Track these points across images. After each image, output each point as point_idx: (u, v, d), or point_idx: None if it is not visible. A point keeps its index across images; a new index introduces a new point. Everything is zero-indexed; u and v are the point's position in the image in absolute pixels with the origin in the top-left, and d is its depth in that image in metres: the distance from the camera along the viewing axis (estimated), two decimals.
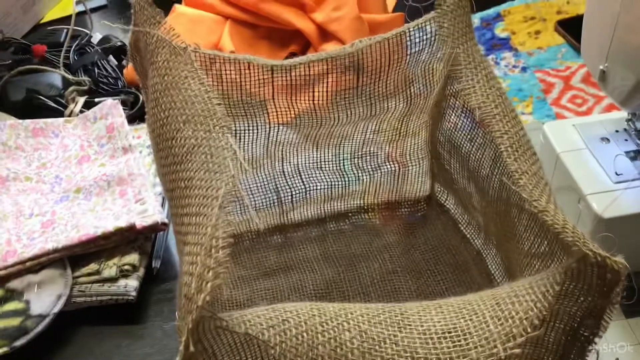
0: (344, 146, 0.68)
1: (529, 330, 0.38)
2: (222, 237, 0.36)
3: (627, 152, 0.67)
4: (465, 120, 0.60)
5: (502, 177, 0.47)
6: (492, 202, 0.58)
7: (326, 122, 0.62)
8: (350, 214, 0.75)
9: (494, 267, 0.66)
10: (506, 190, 0.54)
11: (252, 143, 0.63)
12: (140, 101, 0.87)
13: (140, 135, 0.82)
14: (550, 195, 0.43)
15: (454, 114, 0.62)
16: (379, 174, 0.72)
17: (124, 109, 0.84)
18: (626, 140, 0.68)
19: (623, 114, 0.70)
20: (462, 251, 0.70)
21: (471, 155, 0.60)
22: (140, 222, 0.68)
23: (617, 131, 0.69)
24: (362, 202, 0.75)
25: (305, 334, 0.38)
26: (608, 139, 0.68)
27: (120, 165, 0.76)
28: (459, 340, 0.40)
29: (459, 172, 0.65)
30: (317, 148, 0.67)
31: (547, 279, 0.39)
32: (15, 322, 0.62)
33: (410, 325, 0.41)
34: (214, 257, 0.35)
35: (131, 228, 0.67)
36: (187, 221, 0.39)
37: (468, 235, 0.70)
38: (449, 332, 0.40)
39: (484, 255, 0.67)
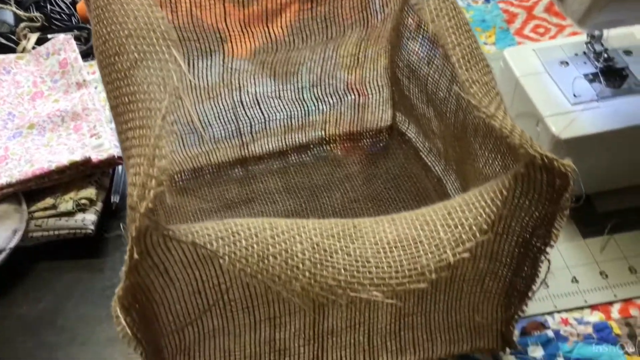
0: (301, 73, 0.66)
1: (477, 235, 0.38)
2: (164, 146, 0.35)
3: (585, 75, 0.67)
4: (422, 43, 0.60)
5: (454, 86, 0.46)
6: (450, 125, 0.58)
7: (282, 47, 0.60)
8: (311, 146, 0.74)
9: (453, 192, 0.66)
10: (462, 109, 0.54)
11: (206, 70, 0.62)
12: None
13: (95, 71, 0.80)
14: (501, 104, 0.42)
15: (411, 38, 0.61)
16: (339, 103, 0.71)
17: (77, 45, 0.81)
18: (585, 63, 0.68)
19: (583, 37, 0.69)
20: (423, 179, 0.70)
21: (429, 78, 0.60)
22: (96, 156, 0.67)
23: (576, 54, 0.68)
24: (323, 133, 0.74)
25: (255, 246, 0.38)
26: (567, 63, 0.68)
27: (75, 100, 0.74)
28: (410, 249, 0.40)
29: (418, 97, 0.64)
30: (274, 76, 0.66)
31: (496, 185, 0.39)
32: None
33: (362, 237, 0.41)
34: (157, 166, 0.34)
35: (86, 162, 0.66)
36: (130, 135, 0.38)
37: (429, 163, 0.70)
38: (401, 242, 0.40)
39: (444, 182, 0.67)
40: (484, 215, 0.39)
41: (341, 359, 0.52)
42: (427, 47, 0.59)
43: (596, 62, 0.67)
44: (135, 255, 0.33)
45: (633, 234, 0.64)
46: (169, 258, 0.41)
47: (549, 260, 0.45)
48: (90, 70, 0.79)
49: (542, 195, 0.41)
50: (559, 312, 0.59)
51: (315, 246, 0.40)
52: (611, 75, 0.67)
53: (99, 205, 0.67)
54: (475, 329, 0.54)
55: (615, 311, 0.59)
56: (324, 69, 0.67)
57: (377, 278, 0.39)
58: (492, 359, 0.57)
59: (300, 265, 0.38)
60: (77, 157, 0.66)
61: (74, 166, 0.66)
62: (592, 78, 0.66)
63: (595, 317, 0.59)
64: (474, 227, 0.39)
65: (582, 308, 0.60)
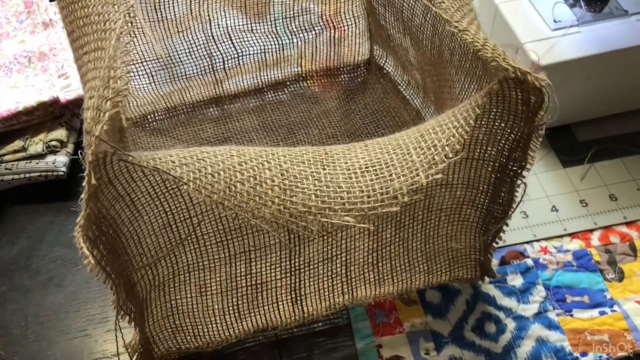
0: (274, 4, 0.64)
1: (450, 155, 0.37)
2: (120, 67, 0.33)
3: (566, 0, 0.65)
4: None
5: (425, 1, 0.44)
6: (427, 52, 0.56)
7: None
8: (288, 83, 0.73)
9: None
10: (438, 34, 0.52)
11: (173, 0, 0.59)
12: None
13: None
14: (474, 20, 0.41)
15: None
16: (315, 37, 0.69)
17: None
18: None
19: None
20: (402, 112, 0.68)
21: (404, 4, 0.58)
22: (64, 96, 0.65)
23: None
24: (299, 69, 0.72)
25: (222, 172, 0.37)
26: None
27: (41, 40, 0.72)
28: (382, 173, 0.39)
29: (394, 26, 0.62)
30: (245, 7, 0.63)
31: (470, 104, 0.38)
32: None
33: (334, 163, 0.40)
34: (112, 87, 0.32)
35: (55, 102, 0.64)
36: (86, 59, 0.36)
37: (407, 96, 0.68)
38: (373, 166, 0.39)
39: (423, 114, 0.66)
40: (456, 136, 0.37)
41: (319, 290, 0.51)
42: None
43: None
44: (94, 181, 0.32)
45: (613, 161, 0.63)
46: (134, 189, 0.39)
47: (525, 185, 0.44)
48: (57, 10, 0.76)
49: (516, 115, 0.40)
50: (538, 240, 0.59)
51: (285, 172, 0.38)
52: None
53: (70, 147, 0.65)
54: (454, 259, 0.54)
55: (595, 239, 0.59)
56: (297, 0, 0.64)
57: (349, 203, 0.38)
58: (471, 288, 0.56)
59: (270, 192, 0.37)
60: (45, 97, 0.64)
61: (42, 107, 0.64)
62: (573, 3, 0.65)
63: (575, 244, 0.59)
64: (446, 148, 0.37)
65: (561, 236, 0.59)
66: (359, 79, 0.73)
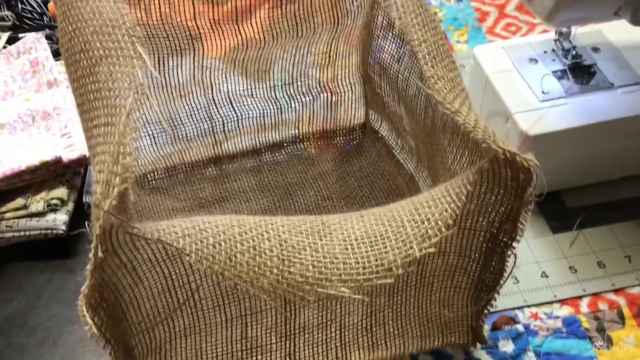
0: (274, 71, 0.66)
1: (443, 230, 0.39)
2: (129, 143, 0.35)
3: (554, 72, 0.67)
4: (392, 41, 0.60)
5: (417, 82, 0.46)
6: (420, 122, 0.58)
7: (252, 45, 0.60)
8: (285, 144, 0.74)
9: (425, 189, 0.66)
10: (431, 107, 0.55)
11: (177, 68, 0.62)
12: None
13: None
14: (466, 100, 0.43)
15: (382, 36, 0.62)
16: (312, 101, 0.71)
17: (49, 44, 0.81)
18: (554, 60, 0.68)
19: (551, 35, 0.70)
20: (396, 176, 0.70)
21: (399, 75, 0.60)
22: (67, 156, 0.66)
23: (545, 52, 0.69)
24: (297, 131, 0.74)
25: (223, 243, 0.38)
26: (536, 60, 0.69)
27: (46, 99, 0.73)
28: (377, 245, 0.40)
29: (389, 94, 0.64)
30: (246, 74, 0.66)
31: (461, 180, 0.40)
32: None
33: (331, 233, 0.41)
34: (121, 163, 0.34)
35: (57, 161, 0.65)
36: (96, 133, 0.38)
37: (401, 160, 0.70)
38: (368, 238, 0.40)
39: (417, 179, 0.68)
40: (449, 211, 0.39)
41: (314, 355, 0.52)
42: (397, 44, 0.59)
43: (564, 60, 0.68)
44: (100, 254, 0.33)
45: (601, 229, 0.65)
46: (136, 256, 0.40)
47: (515, 255, 0.46)
48: (62, 69, 0.79)
49: (506, 190, 0.41)
50: (528, 306, 0.60)
51: (283, 243, 0.40)
52: (579, 72, 0.68)
53: (70, 206, 0.66)
54: (446, 324, 0.55)
55: (584, 305, 0.60)
56: (296, 67, 0.67)
57: (345, 274, 0.39)
58: (463, 354, 0.57)
59: (268, 262, 0.38)
60: (48, 156, 0.65)
61: (45, 166, 0.65)
62: (561, 75, 0.67)
63: (565, 311, 0.60)
64: (439, 222, 0.39)
65: (551, 302, 0.60)
66: (355, 142, 0.75)
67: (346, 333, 0.52)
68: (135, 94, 0.37)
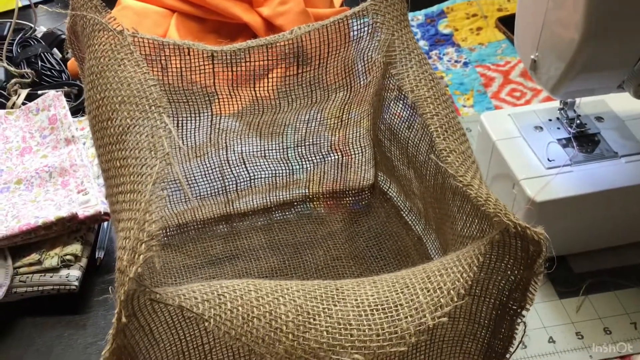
0: (287, 134, 0.68)
1: (455, 299, 0.40)
2: (155, 211, 0.36)
3: (559, 140, 0.69)
4: (403, 108, 0.62)
5: (431, 155, 0.48)
6: (430, 187, 0.60)
7: (268, 110, 0.62)
8: (295, 203, 0.76)
9: (433, 251, 0.68)
10: (441, 173, 0.56)
11: (195, 130, 0.64)
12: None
13: (84, 127, 0.82)
14: (477, 172, 0.44)
15: (393, 102, 0.64)
16: (323, 162, 0.73)
17: (67, 101, 0.83)
18: (558, 128, 0.70)
19: (556, 103, 0.72)
20: (404, 237, 0.71)
21: (409, 141, 0.62)
22: (83, 212, 0.68)
23: (550, 120, 0.71)
24: (307, 191, 0.76)
25: (240, 308, 0.39)
26: (541, 128, 0.71)
27: (63, 156, 0.75)
28: (391, 312, 0.41)
29: (399, 159, 0.66)
30: (260, 136, 0.68)
31: (473, 251, 0.41)
32: None
33: (344, 299, 0.42)
34: (147, 231, 0.35)
35: (73, 218, 0.67)
36: (121, 199, 0.39)
37: (409, 222, 0.72)
38: (382, 305, 0.41)
39: (425, 241, 0.69)
40: (461, 280, 0.40)
41: None
42: (408, 112, 0.61)
43: (569, 128, 0.70)
44: (124, 319, 0.34)
45: (607, 294, 0.66)
46: (154, 319, 0.41)
47: (524, 323, 0.46)
48: (79, 127, 0.81)
49: (517, 261, 0.42)
50: None
51: (299, 308, 0.41)
52: (584, 140, 0.69)
53: (83, 261, 0.67)
54: None
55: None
56: (308, 130, 0.69)
57: (359, 341, 0.40)
58: None
59: (284, 328, 0.39)
60: (64, 212, 0.67)
61: (61, 222, 0.66)
62: (566, 143, 0.69)
63: None
64: (452, 292, 0.40)
65: None
66: (363, 202, 0.77)
67: None
68: (161, 162, 0.39)
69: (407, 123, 0.61)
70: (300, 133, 0.69)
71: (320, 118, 0.67)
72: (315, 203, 0.76)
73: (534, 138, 0.69)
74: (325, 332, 0.40)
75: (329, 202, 0.77)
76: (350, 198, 0.77)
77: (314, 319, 0.40)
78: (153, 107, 0.43)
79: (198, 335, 0.45)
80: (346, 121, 0.69)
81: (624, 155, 0.67)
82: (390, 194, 0.75)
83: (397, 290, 0.42)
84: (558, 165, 0.67)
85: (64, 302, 0.66)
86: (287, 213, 0.76)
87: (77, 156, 0.75)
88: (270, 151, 0.70)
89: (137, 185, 0.38)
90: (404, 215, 0.73)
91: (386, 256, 0.70)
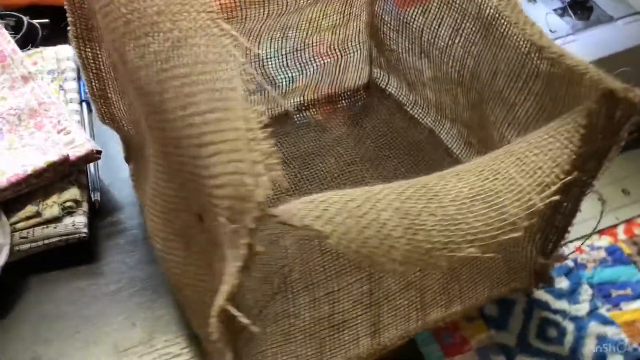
0: (287, 38, 0.63)
1: (561, 176, 0.38)
2: (256, 127, 0.32)
3: (555, 10, 0.68)
4: None
5: (510, 29, 0.45)
6: (453, 72, 0.58)
7: (274, 11, 0.57)
8: (291, 114, 0.72)
9: (450, 140, 0.66)
10: (472, 56, 0.54)
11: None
12: (25, 24, 0.77)
13: (36, 61, 0.72)
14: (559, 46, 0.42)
15: None
16: (322, 65, 0.69)
17: (11, 35, 0.73)
18: None
19: None
20: (413, 131, 0.70)
21: (424, 28, 0.59)
22: (73, 153, 0.61)
23: None
24: (302, 99, 0.72)
25: (348, 220, 0.36)
26: (534, 0, 0.69)
27: (26, 95, 0.67)
28: (492, 200, 0.39)
29: (409, 49, 0.63)
30: (259, 44, 0.62)
31: (569, 124, 0.39)
32: None
33: (437, 195, 0.40)
34: (260, 150, 0.31)
35: (64, 161, 0.60)
36: (197, 121, 0.34)
37: (416, 116, 0.70)
38: (479, 195, 0.39)
39: (437, 132, 0.67)
40: (564, 156, 0.39)
41: (397, 321, 0.51)
42: None
43: None
44: (260, 248, 0.30)
45: (623, 155, 0.67)
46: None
47: (601, 195, 0.46)
48: (31, 61, 0.72)
49: (605, 129, 0.41)
50: (571, 241, 0.62)
51: (399, 211, 0.38)
52: (578, 8, 0.69)
53: (84, 206, 0.61)
54: (512, 270, 0.55)
55: (620, 233, 0.62)
56: (309, 32, 0.64)
57: (470, 234, 0.38)
58: (525, 296, 0.58)
59: (394, 233, 0.37)
60: (54, 156, 0.60)
61: (52, 167, 0.59)
62: (562, 12, 0.68)
63: (605, 241, 0.62)
64: (555, 169, 0.39)
65: (590, 235, 0.62)
66: (360, 102, 0.74)
67: (426, 295, 0.51)
68: (240, 74, 0.34)
69: (420, 9, 0.58)
70: (301, 36, 0.64)
71: (322, 16, 0.62)
72: (311, 111, 0.73)
73: (530, 10, 0.68)
74: (434, 231, 0.38)
75: (324, 108, 0.73)
76: (345, 100, 0.74)
77: (419, 220, 0.38)
78: (202, 14, 0.37)
79: (277, 257, 0.42)
80: (348, 16, 0.64)
81: (620, 18, 0.67)
82: (390, 89, 0.72)
83: (490, 178, 0.40)
84: (561, 35, 0.66)
85: (71, 254, 0.60)
86: (283, 126, 0.71)
87: (42, 93, 0.67)
88: (268, 59, 0.65)
89: (222, 103, 0.33)
90: (408, 109, 0.70)
91: (399, 154, 0.68)
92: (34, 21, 0.77)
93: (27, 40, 0.76)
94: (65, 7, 0.50)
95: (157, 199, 0.48)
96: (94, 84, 0.56)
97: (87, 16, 0.51)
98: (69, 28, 0.52)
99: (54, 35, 0.78)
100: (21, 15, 0.77)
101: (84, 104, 0.71)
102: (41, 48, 0.74)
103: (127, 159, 0.64)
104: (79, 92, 0.71)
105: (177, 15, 0.37)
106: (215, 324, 0.33)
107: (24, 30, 0.76)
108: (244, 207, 0.30)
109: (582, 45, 0.65)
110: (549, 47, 0.41)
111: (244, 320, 0.31)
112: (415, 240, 0.37)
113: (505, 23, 0.44)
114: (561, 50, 0.41)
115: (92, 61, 0.54)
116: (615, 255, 0.61)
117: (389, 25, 0.63)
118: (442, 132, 0.67)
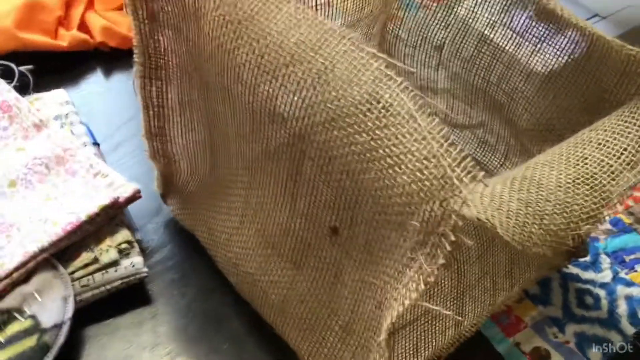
0: None
1: None
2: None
3: None
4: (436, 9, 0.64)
5: (585, 30, 0.51)
6: (475, 79, 0.64)
7: None
8: None
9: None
10: (499, 62, 0.60)
11: None
12: (17, 73, 0.74)
13: (39, 108, 0.70)
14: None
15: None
16: None
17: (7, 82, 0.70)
18: None
19: None
20: None
21: (446, 41, 0.65)
22: (121, 195, 0.60)
23: None
24: None
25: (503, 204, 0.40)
26: None
27: (46, 144, 0.65)
28: (591, 182, 0.45)
29: (425, 62, 0.68)
30: None
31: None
32: (30, 342, 0.52)
33: (541, 184, 0.45)
34: (454, 157, 0.35)
35: (114, 203, 0.59)
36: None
37: None
38: (577, 179, 0.45)
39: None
40: None
41: (476, 308, 0.56)
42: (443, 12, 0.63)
43: None
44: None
45: None
46: None
47: None
48: (34, 108, 0.70)
49: None
50: None
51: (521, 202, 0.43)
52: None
53: (136, 246, 0.61)
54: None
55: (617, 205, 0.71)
56: None
57: (583, 214, 0.43)
58: (557, 272, 0.65)
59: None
60: (105, 200, 0.59)
61: (104, 211, 0.59)
62: None
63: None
64: None
65: None
66: None
67: (496, 281, 0.57)
68: (403, 90, 0.37)
69: (443, 23, 0.64)
70: None
71: None
72: None
73: None
74: (555, 215, 0.43)
75: None
76: None
77: (539, 207, 0.43)
78: (344, 40, 0.39)
79: None
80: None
81: None
82: None
83: (579, 164, 0.45)
84: None
85: (124, 300, 0.59)
86: None
87: (61, 140, 0.65)
88: None
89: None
90: None
91: None
92: (21, 68, 0.75)
93: (19, 88, 0.73)
94: (135, 48, 0.51)
95: (255, 225, 0.50)
96: (152, 122, 0.56)
97: (157, 56, 0.51)
98: (135, 68, 0.52)
99: (42, 81, 0.76)
100: (8, 63, 0.74)
101: (96, 147, 0.70)
102: (36, 95, 0.72)
103: (164, 195, 0.64)
104: (88, 135, 0.70)
105: (317, 44, 0.40)
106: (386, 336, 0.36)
107: (16, 77, 0.73)
108: (439, 215, 0.34)
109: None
110: (622, 46, 0.48)
111: (444, 311, 0.35)
112: (544, 225, 0.42)
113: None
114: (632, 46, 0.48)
115: (155, 99, 0.54)
116: (618, 226, 0.70)
117: (404, 42, 0.68)
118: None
